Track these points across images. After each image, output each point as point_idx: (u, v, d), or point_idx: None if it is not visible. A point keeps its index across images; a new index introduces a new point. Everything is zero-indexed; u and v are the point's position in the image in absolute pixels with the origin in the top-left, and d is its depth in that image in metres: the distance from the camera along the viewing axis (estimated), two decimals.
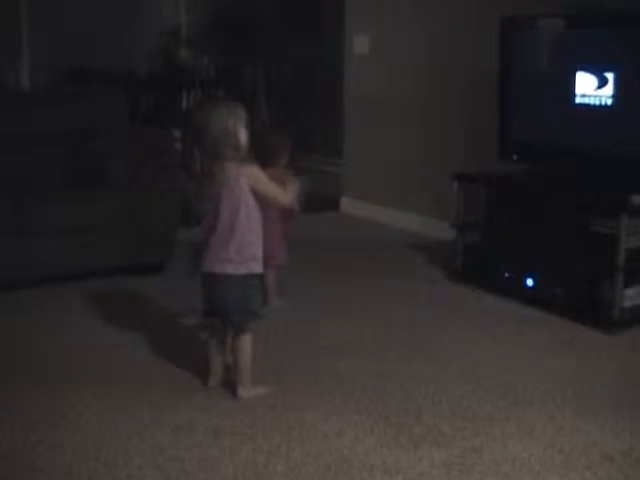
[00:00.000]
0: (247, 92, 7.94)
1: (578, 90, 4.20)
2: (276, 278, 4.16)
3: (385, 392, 3.26)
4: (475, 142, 5.25)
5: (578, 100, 4.21)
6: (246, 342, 3.18)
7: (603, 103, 4.09)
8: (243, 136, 3.06)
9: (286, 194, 3.19)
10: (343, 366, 3.52)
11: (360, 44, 6.28)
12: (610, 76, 4.05)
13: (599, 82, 4.10)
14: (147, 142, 5.04)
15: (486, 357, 3.65)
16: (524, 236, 4.36)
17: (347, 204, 6.63)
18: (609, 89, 4.05)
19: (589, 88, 4.15)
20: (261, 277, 3.27)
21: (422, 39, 5.75)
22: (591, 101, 4.15)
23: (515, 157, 4.66)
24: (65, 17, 7.12)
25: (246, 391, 3.21)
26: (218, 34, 7.59)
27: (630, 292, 3.98)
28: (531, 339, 3.87)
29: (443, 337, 3.88)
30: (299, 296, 4.32)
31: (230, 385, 3.25)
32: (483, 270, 4.60)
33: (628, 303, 3.98)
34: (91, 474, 2.65)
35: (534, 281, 4.30)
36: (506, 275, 4.45)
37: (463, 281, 4.66)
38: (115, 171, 4.74)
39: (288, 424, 2.98)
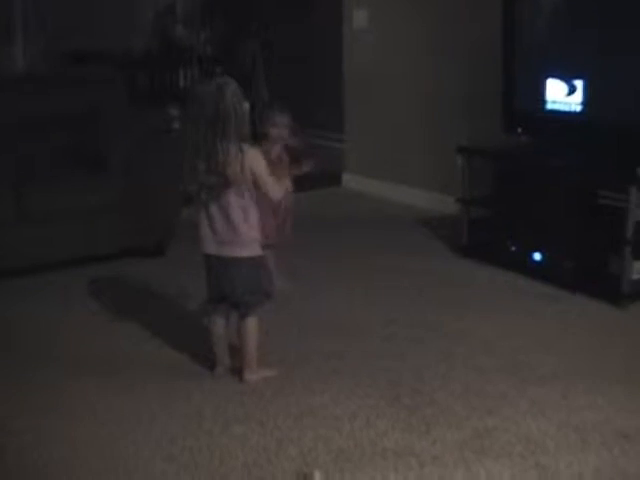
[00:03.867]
0: (245, 69, 7.84)
1: (584, 57, 4.13)
2: (274, 258, 4.10)
3: (396, 372, 3.23)
4: (479, 115, 5.17)
5: (583, 68, 4.14)
6: (253, 324, 3.15)
7: (610, 71, 4.02)
8: (245, 115, 3.00)
9: (278, 188, 3.12)
10: (351, 346, 3.49)
11: (359, 18, 6.20)
12: (618, 40, 3.98)
13: (607, 47, 4.03)
14: (146, 123, 4.97)
15: (495, 334, 3.61)
16: (530, 210, 4.30)
17: (349, 180, 6.57)
18: (616, 55, 3.98)
19: (596, 54, 4.07)
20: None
21: (422, 11, 5.66)
22: (597, 69, 4.08)
23: (520, 130, 4.59)
24: None
25: (253, 374, 3.17)
26: (214, 10, 7.48)
27: (638, 265, 3.93)
28: (540, 314, 3.83)
29: (451, 314, 3.84)
30: (303, 275, 4.27)
31: (236, 370, 3.21)
32: (489, 245, 4.55)
33: (636, 276, 3.93)
34: (99, 465, 2.62)
35: (541, 255, 4.26)
36: (513, 249, 4.40)
37: (469, 256, 4.62)
38: (115, 154, 4.67)
39: (298, 408, 2.95)
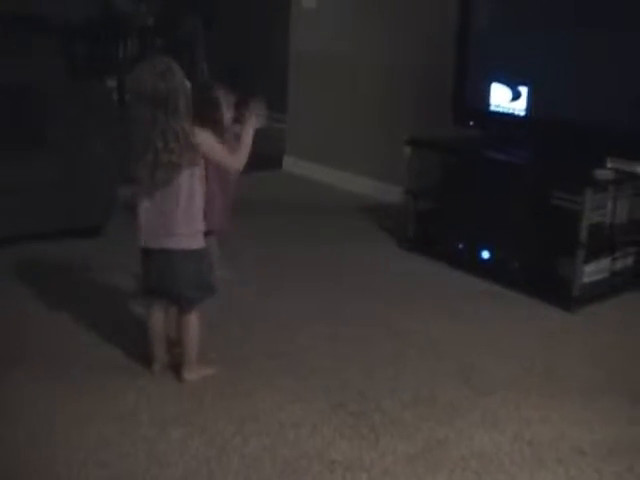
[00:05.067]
0: (185, 43, 7.61)
1: (540, 50, 4.04)
2: (217, 246, 3.91)
3: (342, 375, 3.09)
4: (429, 105, 5.05)
5: (540, 61, 4.05)
6: (194, 320, 2.97)
7: (566, 66, 3.94)
8: (189, 95, 2.81)
9: (237, 158, 2.95)
10: (293, 345, 3.34)
11: None
12: (573, 37, 3.91)
13: (563, 43, 3.94)
14: (84, 97, 4.73)
15: (444, 335, 3.50)
16: (480, 206, 4.19)
17: (290, 163, 6.40)
18: (573, 51, 3.92)
19: (552, 49, 3.99)
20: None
21: None
22: (554, 63, 3.99)
23: (471, 123, 4.48)
24: None
25: (192, 373, 3.00)
26: None
27: (589, 268, 3.87)
28: (489, 316, 3.73)
29: (398, 312, 3.71)
30: (243, 264, 4.07)
31: (174, 367, 3.04)
32: (436, 240, 4.44)
33: (587, 279, 3.86)
34: (28, 470, 2.43)
35: (490, 253, 4.16)
36: (460, 246, 4.30)
37: (415, 250, 4.50)
38: (51, 128, 4.43)
39: (240, 413, 2.78)
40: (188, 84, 2.83)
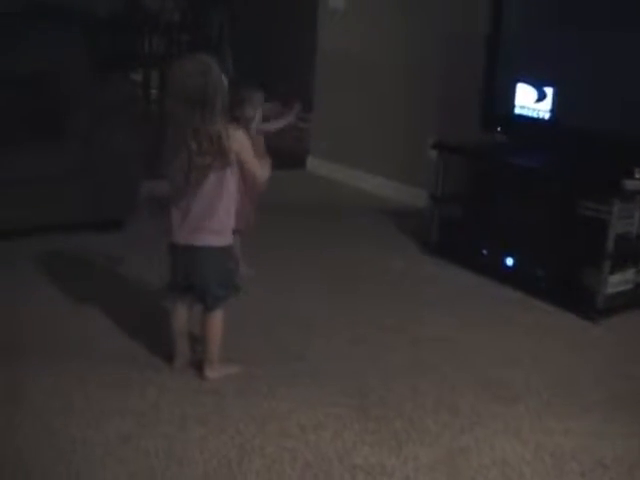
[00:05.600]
0: (212, 39, 7.61)
1: (570, 55, 4.02)
2: (241, 244, 3.91)
3: (362, 379, 3.06)
4: (456, 109, 5.02)
5: (570, 67, 4.03)
6: (218, 318, 2.95)
7: (597, 72, 3.91)
8: (226, 95, 2.79)
9: (264, 170, 2.96)
10: (315, 347, 3.31)
11: None
12: (604, 42, 3.87)
13: (593, 48, 3.92)
14: (108, 90, 4.72)
15: (466, 342, 3.47)
16: (505, 213, 4.16)
17: (314, 163, 6.38)
18: (605, 56, 3.88)
19: (582, 54, 3.96)
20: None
21: None
22: (584, 69, 3.96)
23: (499, 129, 4.45)
24: None
25: (214, 371, 2.99)
26: None
27: (614, 279, 3.83)
28: (512, 324, 3.70)
29: (419, 318, 3.69)
30: (264, 264, 4.06)
31: (196, 364, 3.02)
32: (459, 245, 4.40)
33: (611, 290, 3.82)
34: (44, 465, 2.41)
35: (514, 261, 4.12)
36: (484, 252, 4.26)
37: (438, 255, 4.47)
38: (74, 119, 4.42)
39: (261, 413, 2.77)
40: (226, 83, 2.81)
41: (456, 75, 5.03)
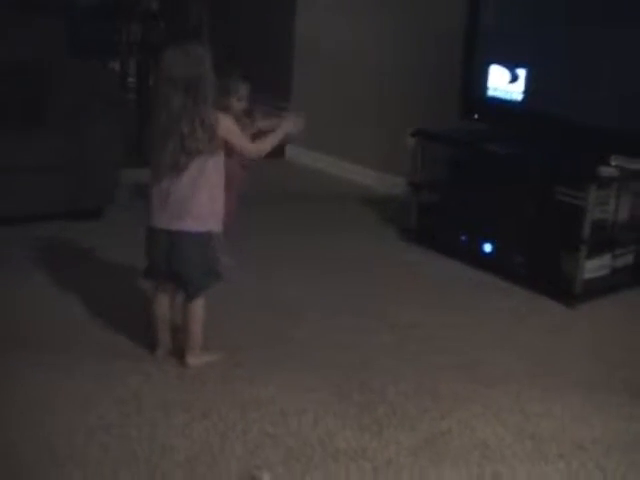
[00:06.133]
0: (190, 28, 7.57)
1: (545, 45, 4.05)
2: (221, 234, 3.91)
3: (343, 365, 3.09)
4: (435, 97, 5.04)
5: (546, 57, 4.07)
6: (199, 305, 2.97)
7: (573, 61, 3.96)
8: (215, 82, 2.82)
9: (258, 147, 3.03)
10: (297, 333, 3.34)
11: None
12: (581, 31, 3.92)
13: (569, 38, 3.96)
14: (86, 78, 4.71)
15: (445, 327, 3.50)
16: (483, 199, 4.19)
17: (293, 152, 6.38)
18: (580, 46, 3.93)
19: (558, 43, 4.01)
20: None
21: None
22: (560, 59, 4.00)
23: (476, 116, 4.48)
24: None
25: (195, 358, 3.00)
26: None
27: (591, 264, 3.87)
28: (490, 309, 3.73)
29: (399, 304, 3.71)
30: (244, 252, 4.03)
31: (177, 352, 3.04)
32: (438, 232, 4.43)
33: (588, 275, 3.87)
34: (28, 453, 2.42)
35: (492, 247, 4.16)
36: (462, 239, 4.30)
37: (417, 241, 4.50)
38: (53, 108, 4.42)
39: (243, 399, 2.79)
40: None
41: (436, 65, 5.05)
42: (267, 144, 3.09)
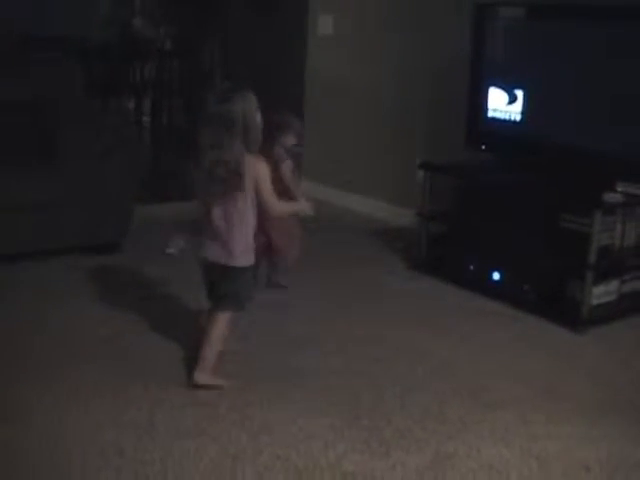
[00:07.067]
0: (204, 66, 7.72)
1: (550, 77, 4.15)
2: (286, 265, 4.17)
3: (353, 391, 3.15)
4: (442, 129, 5.14)
5: (549, 91, 4.16)
6: (224, 321, 3.11)
7: (578, 90, 4.06)
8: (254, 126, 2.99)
9: (277, 207, 3.13)
10: (308, 360, 3.40)
11: (324, 24, 6.11)
12: (583, 62, 4.02)
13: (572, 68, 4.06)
14: (101, 115, 4.85)
15: (454, 355, 3.55)
16: (491, 229, 4.26)
17: (307, 186, 6.45)
18: (584, 76, 4.03)
19: (562, 73, 4.11)
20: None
21: (390, 20, 5.60)
22: (565, 88, 4.10)
23: (483, 147, 4.56)
24: None
25: (203, 376, 3.09)
26: (175, 5, 7.34)
27: (598, 290, 3.92)
28: (499, 336, 3.78)
29: (409, 332, 3.77)
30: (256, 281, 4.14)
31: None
32: (447, 262, 4.50)
33: (596, 301, 3.91)
34: (42, 477, 2.49)
35: (500, 275, 4.22)
36: (471, 268, 4.35)
37: (426, 272, 4.56)
38: (68, 145, 4.52)
39: (253, 424, 2.85)
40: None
41: (444, 98, 5.14)
42: (288, 208, 3.36)
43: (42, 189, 4.30)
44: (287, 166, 3.96)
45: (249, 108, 2.93)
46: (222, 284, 3.07)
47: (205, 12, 7.23)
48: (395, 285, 4.42)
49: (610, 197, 3.84)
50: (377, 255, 4.97)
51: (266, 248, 3.93)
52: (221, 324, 3.10)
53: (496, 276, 4.23)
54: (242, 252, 3.03)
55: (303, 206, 3.37)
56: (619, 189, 3.89)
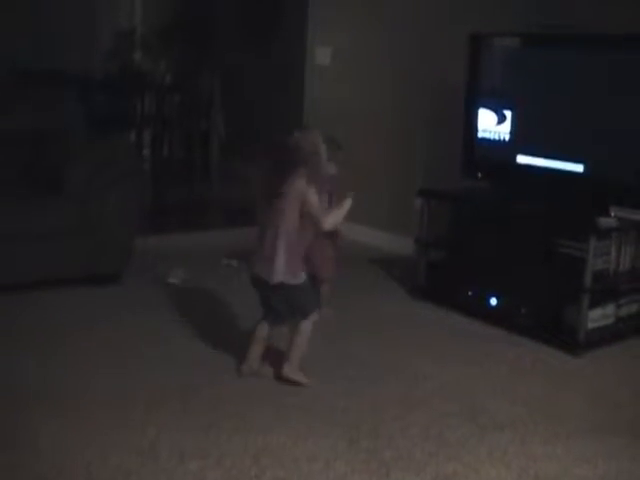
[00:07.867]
0: (204, 99, 7.83)
1: (545, 102, 4.25)
2: (328, 290, 4.21)
3: (354, 413, 3.19)
4: (439, 157, 5.21)
5: (543, 116, 4.26)
6: (307, 327, 3.38)
7: (572, 117, 4.15)
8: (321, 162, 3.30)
9: (330, 217, 3.37)
10: (308, 384, 3.44)
11: (322, 55, 6.21)
12: (579, 91, 4.11)
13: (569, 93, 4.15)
14: (104, 148, 4.91)
15: (453, 378, 3.60)
16: (488, 255, 4.33)
17: None
18: (578, 103, 4.12)
19: (557, 99, 4.20)
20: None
21: (386, 51, 5.70)
22: (560, 115, 4.19)
23: (480, 175, 4.63)
24: (15, 16, 6.89)
25: (291, 370, 3.37)
26: (175, 39, 7.44)
27: (594, 314, 3.97)
28: (497, 360, 3.82)
29: (409, 356, 3.82)
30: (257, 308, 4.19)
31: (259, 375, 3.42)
32: (446, 288, 4.55)
33: (592, 325, 3.96)
34: None
35: (498, 301, 4.27)
36: (469, 294, 4.41)
37: (425, 298, 4.61)
38: (70, 177, 4.57)
39: (256, 446, 2.89)
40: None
41: (440, 127, 5.23)
42: (338, 216, 3.46)
43: (42, 219, 4.37)
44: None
45: (312, 141, 3.21)
46: (288, 301, 3.34)
47: (204, 46, 7.34)
48: (395, 311, 4.48)
49: (604, 222, 3.90)
50: (376, 282, 5.03)
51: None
52: (304, 332, 3.37)
53: (494, 301, 4.29)
54: (293, 272, 3.29)
55: (347, 204, 3.48)
56: (613, 214, 3.96)
